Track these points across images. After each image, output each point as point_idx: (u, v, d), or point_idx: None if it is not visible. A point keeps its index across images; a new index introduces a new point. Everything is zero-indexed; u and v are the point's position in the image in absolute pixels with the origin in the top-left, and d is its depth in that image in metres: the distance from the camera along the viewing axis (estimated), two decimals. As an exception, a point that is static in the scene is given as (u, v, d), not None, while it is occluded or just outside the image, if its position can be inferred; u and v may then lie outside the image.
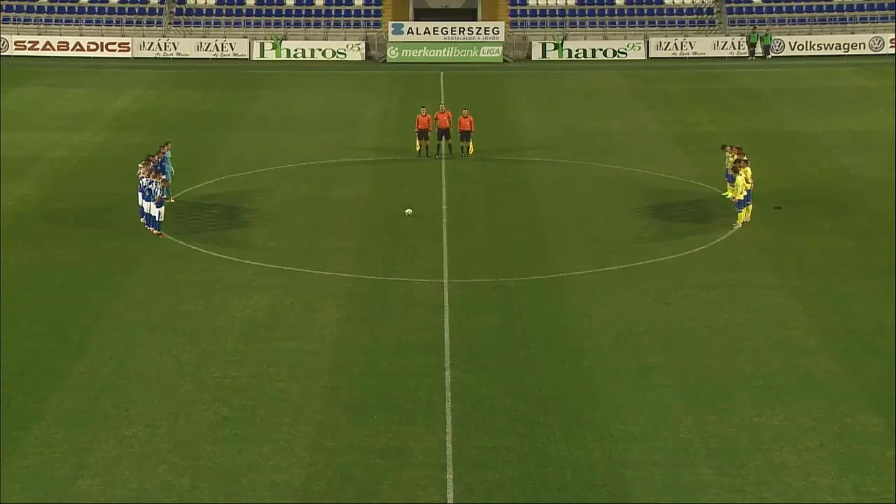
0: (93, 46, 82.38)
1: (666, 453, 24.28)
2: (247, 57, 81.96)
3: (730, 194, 42.84)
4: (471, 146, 50.98)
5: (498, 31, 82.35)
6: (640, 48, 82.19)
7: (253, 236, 39.78)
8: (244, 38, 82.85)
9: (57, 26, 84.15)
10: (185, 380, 27.85)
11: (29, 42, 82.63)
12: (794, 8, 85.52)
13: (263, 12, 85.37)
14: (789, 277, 35.32)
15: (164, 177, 40.77)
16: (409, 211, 42.18)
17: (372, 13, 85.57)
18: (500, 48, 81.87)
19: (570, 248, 38.39)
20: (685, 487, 23.00)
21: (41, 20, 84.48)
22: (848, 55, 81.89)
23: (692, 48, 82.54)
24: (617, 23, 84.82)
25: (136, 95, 67.38)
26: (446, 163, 50.28)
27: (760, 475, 23.40)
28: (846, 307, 32.83)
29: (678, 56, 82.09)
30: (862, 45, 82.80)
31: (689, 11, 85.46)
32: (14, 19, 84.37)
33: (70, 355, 29.27)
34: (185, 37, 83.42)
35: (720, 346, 29.96)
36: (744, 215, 40.53)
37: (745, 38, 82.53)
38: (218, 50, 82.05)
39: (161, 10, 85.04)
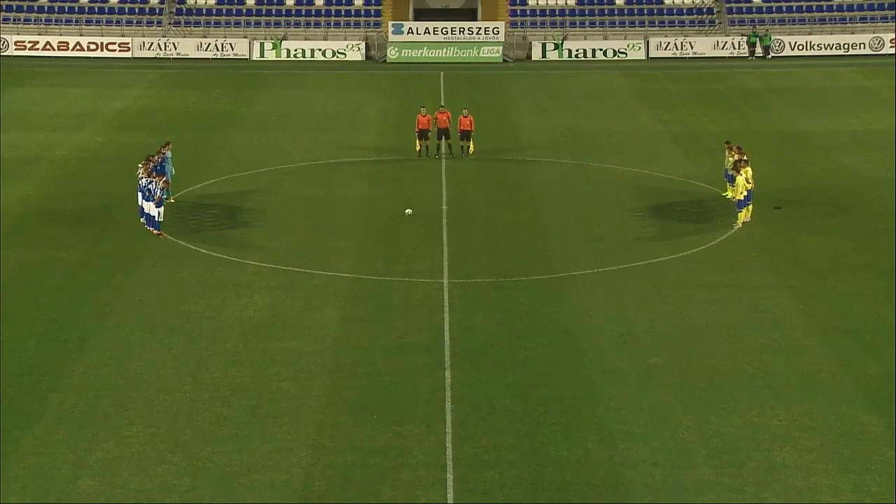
0: (93, 46, 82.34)
1: (666, 453, 24.28)
2: (247, 57, 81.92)
3: (730, 194, 42.84)
4: (471, 146, 50.98)
5: (498, 31, 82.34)
6: (640, 48, 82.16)
7: (253, 236, 39.78)
8: (244, 38, 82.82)
9: (57, 26, 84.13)
10: (185, 380, 27.85)
11: (29, 42, 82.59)
12: (794, 8, 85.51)
13: (263, 12, 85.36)
14: (789, 277, 35.32)
15: (164, 177, 40.77)
16: (409, 211, 42.19)
17: (372, 13, 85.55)
18: (500, 48, 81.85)
19: (570, 248, 38.40)
20: (685, 487, 23.00)
21: (41, 20, 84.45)
22: (848, 55, 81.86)
23: (692, 48, 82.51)
24: (617, 23, 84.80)
25: (136, 95, 67.38)
26: (446, 163, 50.29)
27: (760, 475, 23.41)
28: (846, 307, 32.84)
29: (678, 56, 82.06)
30: (862, 45, 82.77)
31: (689, 11, 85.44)
32: (14, 19, 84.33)
33: (70, 355, 29.27)
34: (185, 37, 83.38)
35: (720, 346, 29.96)
36: (744, 215, 40.54)
37: (745, 38, 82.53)
38: (218, 50, 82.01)
39: (161, 10, 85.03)
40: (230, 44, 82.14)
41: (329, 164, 50.63)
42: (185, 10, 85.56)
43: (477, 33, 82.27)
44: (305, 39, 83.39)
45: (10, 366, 28.48)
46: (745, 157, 41.98)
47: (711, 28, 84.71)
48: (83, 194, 45.07)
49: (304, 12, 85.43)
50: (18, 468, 23.64)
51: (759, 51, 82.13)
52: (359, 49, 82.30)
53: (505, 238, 39.77)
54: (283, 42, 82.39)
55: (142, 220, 39.80)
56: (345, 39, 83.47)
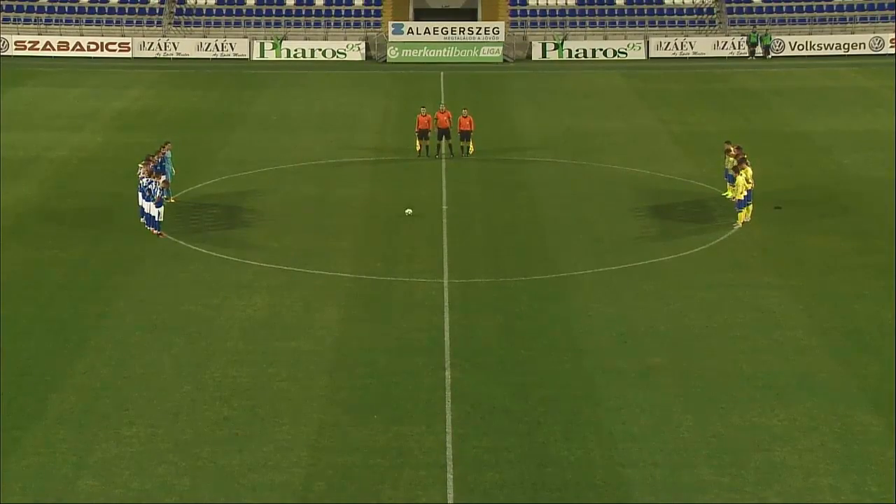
0: (93, 46, 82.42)
1: (666, 453, 24.27)
2: (247, 57, 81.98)
3: (730, 194, 42.84)
4: (471, 146, 51.00)
5: (498, 31, 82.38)
6: (640, 48, 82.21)
7: (253, 236, 39.78)
8: (244, 38, 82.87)
9: (57, 26, 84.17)
10: (185, 380, 27.85)
11: (29, 42, 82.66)
12: (794, 8, 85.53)
13: (263, 12, 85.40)
14: (789, 277, 35.31)
15: (164, 177, 40.77)
16: (409, 211, 42.18)
17: (372, 13, 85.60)
18: (500, 48, 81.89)
19: (570, 248, 38.39)
20: (685, 487, 23.00)
21: (41, 20, 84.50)
22: (848, 55, 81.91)
23: (692, 48, 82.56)
24: (617, 23, 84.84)
25: (136, 95, 67.40)
26: (446, 163, 50.28)
27: (760, 475, 23.41)
28: (846, 307, 32.83)
29: (678, 56, 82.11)
30: (862, 45, 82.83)
31: (689, 11, 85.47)
32: (14, 19, 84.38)
33: (70, 355, 29.27)
34: (185, 37, 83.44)
35: (720, 346, 29.96)
36: (744, 215, 40.54)
37: (745, 38, 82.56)
38: (218, 50, 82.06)
39: (161, 10, 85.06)
40: (230, 44, 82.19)
41: (329, 164, 50.64)
42: (185, 10, 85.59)
43: (477, 33, 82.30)
44: (305, 39, 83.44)
45: (10, 366, 28.47)
46: (745, 157, 41.97)
47: (711, 28, 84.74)
48: (83, 194, 45.07)
49: (304, 12, 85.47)
50: (18, 468, 23.63)
51: (759, 51, 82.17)
52: (359, 49, 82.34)
53: (505, 238, 39.76)
54: (283, 42, 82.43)
55: (142, 220, 39.80)
56: (345, 39, 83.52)
